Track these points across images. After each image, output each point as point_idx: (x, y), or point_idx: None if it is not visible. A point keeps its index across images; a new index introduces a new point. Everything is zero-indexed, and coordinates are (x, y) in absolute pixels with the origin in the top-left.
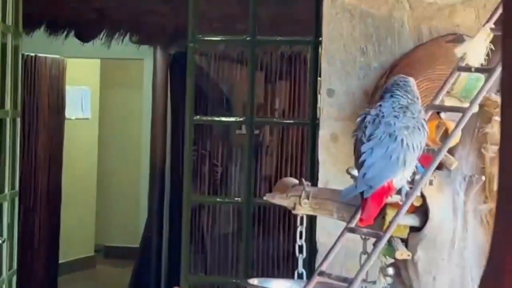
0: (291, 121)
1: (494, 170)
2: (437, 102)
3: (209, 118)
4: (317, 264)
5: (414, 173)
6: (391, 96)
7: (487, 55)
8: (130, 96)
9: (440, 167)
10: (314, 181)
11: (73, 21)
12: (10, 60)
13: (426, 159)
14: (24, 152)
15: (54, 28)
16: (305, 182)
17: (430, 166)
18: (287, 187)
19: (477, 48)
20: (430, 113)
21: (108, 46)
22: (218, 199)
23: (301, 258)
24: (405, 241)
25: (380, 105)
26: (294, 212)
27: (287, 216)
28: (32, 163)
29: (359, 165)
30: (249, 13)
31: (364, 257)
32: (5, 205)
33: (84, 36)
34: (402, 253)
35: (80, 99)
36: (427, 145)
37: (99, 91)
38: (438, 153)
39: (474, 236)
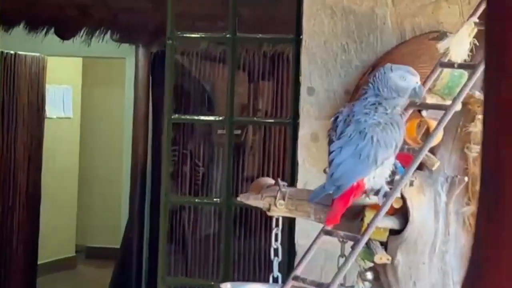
0: (272, 121)
1: (478, 170)
2: None
3: (188, 117)
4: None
5: (393, 173)
6: (366, 92)
7: (471, 50)
8: (112, 95)
9: (421, 167)
10: (294, 181)
11: (53, 18)
12: None
13: (406, 158)
14: (2, 151)
15: (34, 25)
16: (281, 183)
17: (410, 166)
18: (262, 187)
19: (461, 43)
20: (411, 111)
21: (88, 44)
22: (196, 200)
23: (276, 261)
24: (384, 245)
25: (353, 104)
26: (269, 213)
27: (269, 217)
28: (11, 162)
29: (328, 165)
30: (237, 13)
31: (342, 260)
32: None
33: (64, 33)
34: (381, 257)
35: (62, 98)
36: (407, 144)
37: (81, 90)
38: (418, 152)
39: (456, 239)
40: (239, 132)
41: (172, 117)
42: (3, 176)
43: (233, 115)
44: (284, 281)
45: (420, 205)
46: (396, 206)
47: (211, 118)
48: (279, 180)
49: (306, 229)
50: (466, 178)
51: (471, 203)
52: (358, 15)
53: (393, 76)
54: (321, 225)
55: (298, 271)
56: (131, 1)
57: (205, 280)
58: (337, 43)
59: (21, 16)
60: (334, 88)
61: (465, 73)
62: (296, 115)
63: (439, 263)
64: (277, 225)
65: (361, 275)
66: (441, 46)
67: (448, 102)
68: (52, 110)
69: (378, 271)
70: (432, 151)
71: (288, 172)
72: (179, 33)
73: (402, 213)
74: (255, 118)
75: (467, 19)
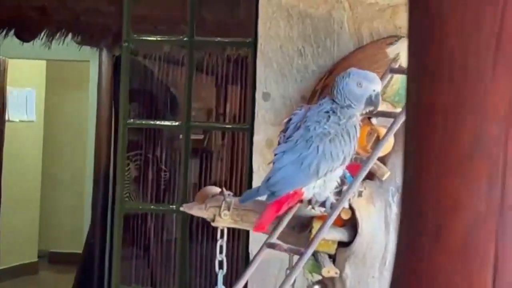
0: (230, 126)
1: None
2: None
3: (143, 122)
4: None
5: (342, 183)
6: (326, 96)
7: None
8: (76, 98)
9: (371, 177)
10: (250, 188)
11: (12, 19)
12: None
13: (356, 168)
14: None
15: None
16: (226, 192)
17: (358, 176)
18: (207, 197)
19: None
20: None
21: (49, 46)
22: (152, 207)
23: (221, 274)
24: (332, 257)
25: (309, 108)
26: (213, 224)
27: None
28: None
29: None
30: (197, 16)
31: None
32: None
33: (24, 35)
34: (329, 270)
35: (25, 101)
36: (357, 153)
37: (45, 93)
38: (367, 161)
39: None
40: (201, 137)
41: (128, 121)
42: None
43: (190, 120)
44: None
45: (370, 216)
46: (345, 217)
47: (167, 123)
48: (224, 189)
49: (260, 238)
50: None
51: None
52: (315, 19)
53: (350, 81)
54: None
55: (240, 286)
56: (92, 3)
57: None
58: (293, 47)
59: None
60: (290, 93)
61: None
62: (253, 121)
63: (390, 276)
64: (222, 236)
65: None
66: (391, 51)
67: (399, 110)
68: (14, 113)
69: (326, 284)
70: (383, 160)
71: (245, 179)
72: (135, 35)
73: (351, 225)
74: (212, 124)
75: None
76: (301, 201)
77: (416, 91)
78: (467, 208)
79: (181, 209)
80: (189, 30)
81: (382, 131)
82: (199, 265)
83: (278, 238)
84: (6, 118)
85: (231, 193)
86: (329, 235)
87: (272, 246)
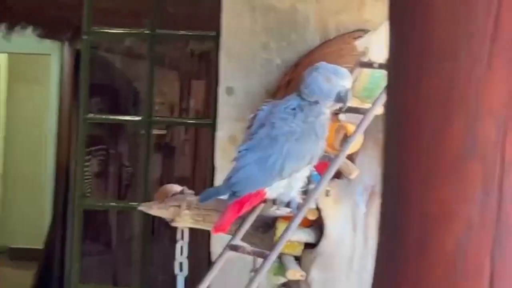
0: (193, 122)
1: None
2: None
3: (103, 117)
4: None
5: (309, 182)
6: (295, 92)
7: None
8: (37, 92)
9: (338, 175)
10: (212, 186)
11: None
12: None
13: (322, 166)
14: None
15: None
16: (187, 191)
17: (325, 175)
18: (167, 195)
19: (381, 41)
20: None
21: (8, 39)
22: (112, 204)
23: (181, 276)
24: (298, 259)
25: (276, 104)
26: (173, 224)
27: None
28: None
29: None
30: (160, 9)
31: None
32: None
33: None
34: (294, 272)
35: None
36: (324, 151)
37: (6, 86)
38: (334, 160)
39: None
40: (164, 132)
41: (88, 116)
42: None
43: (151, 115)
44: None
45: (337, 217)
46: (311, 217)
47: (128, 118)
48: (185, 188)
49: (222, 238)
50: None
51: None
52: (280, 12)
53: (318, 76)
54: None
55: None
56: None
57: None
58: (257, 41)
59: None
60: (254, 88)
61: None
62: (216, 116)
63: (357, 280)
64: (182, 237)
65: None
66: (360, 44)
67: (368, 105)
68: None
69: (291, 287)
70: (351, 158)
71: (208, 176)
72: (95, 28)
73: (318, 226)
74: (175, 119)
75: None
76: (264, 201)
77: (398, 85)
78: (458, 216)
79: (140, 208)
80: (151, 23)
81: (351, 128)
82: (161, 263)
83: (242, 239)
84: None
85: (192, 192)
86: (294, 236)
87: (235, 248)
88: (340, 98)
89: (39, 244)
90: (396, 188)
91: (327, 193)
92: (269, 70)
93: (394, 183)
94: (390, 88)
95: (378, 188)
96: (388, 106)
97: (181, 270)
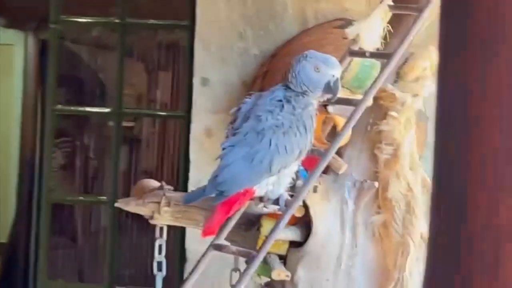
0: (165, 114)
1: (389, 174)
2: None
3: (72, 109)
4: (186, 275)
5: (296, 178)
6: (281, 82)
7: (384, 37)
8: (1, 84)
9: (325, 171)
10: (186, 180)
11: None
12: None
13: (310, 161)
14: None
15: None
16: (166, 186)
17: (315, 171)
18: (145, 191)
19: (373, 29)
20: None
21: None
22: (81, 198)
23: (160, 277)
24: (283, 258)
25: (260, 95)
26: (152, 222)
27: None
28: None
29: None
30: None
31: (235, 275)
32: None
33: None
34: (279, 272)
35: None
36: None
37: None
38: (325, 154)
39: (364, 252)
40: (132, 124)
41: (56, 108)
42: None
43: (121, 106)
44: None
45: (324, 213)
46: (298, 215)
47: (98, 109)
48: (164, 183)
49: (198, 234)
50: (376, 183)
51: (382, 212)
52: (257, 0)
53: (306, 65)
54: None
55: None
56: None
57: (89, 285)
58: (234, 30)
59: None
60: (230, 79)
61: (378, 64)
62: (190, 108)
63: (345, 280)
64: (161, 235)
65: None
66: (350, 32)
67: (359, 97)
68: None
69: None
70: (339, 152)
71: (181, 170)
72: (63, 17)
73: (304, 223)
74: (145, 111)
75: (381, 1)
76: (252, 198)
77: (458, 71)
78: None
79: (116, 205)
80: (121, 12)
81: (339, 119)
82: (130, 257)
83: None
84: None
85: (171, 188)
86: (280, 234)
87: (219, 248)
88: (329, 88)
89: (3, 238)
90: (459, 199)
91: (315, 189)
92: (245, 60)
93: (456, 194)
94: (443, 76)
95: (366, 184)
96: (444, 107)
97: (159, 270)
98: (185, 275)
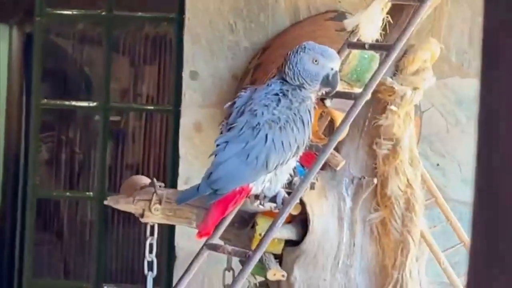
0: (152, 108)
1: (388, 170)
2: None
3: (58, 103)
4: (175, 273)
5: (293, 174)
6: (277, 75)
7: (384, 29)
8: None
9: (323, 167)
10: (175, 176)
11: None
12: None
13: (307, 157)
14: None
15: None
16: (156, 183)
17: (314, 167)
18: (135, 188)
19: (372, 21)
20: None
21: None
22: (68, 194)
23: (150, 276)
24: (279, 258)
25: (256, 89)
26: (142, 220)
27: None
28: None
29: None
30: None
31: (228, 274)
32: None
33: None
34: (275, 272)
35: None
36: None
37: None
38: (323, 150)
39: (362, 251)
40: (117, 118)
41: (41, 102)
42: None
43: (109, 100)
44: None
45: (322, 211)
46: (294, 212)
47: (84, 104)
48: (155, 180)
49: (187, 230)
50: (375, 180)
51: (380, 209)
52: None
53: (304, 57)
54: None
55: None
56: None
57: (77, 282)
58: (224, 22)
59: None
60: (220, 72)
61: (377, 56)
62: (178, 102)
63: (343, 280)
64: (152, 234)
65: None
66: (348, 23)
67: (357, 90)
68: None
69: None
70: (336, 147)
71: (169, 166)
72: (49, 9)
73: (301, 221)
74: (133, 105)
75: None
76: (257, 197)
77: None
78: None
79: (106, 203)
80: (108, 5)
81: (336, 114)
82: (117, 254)
83: None
84: None
85: (162, 184)
86: (276, 233)
87: (213, 248)
88: (328, 81)
89: None
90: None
91: (312, 186)
92: (236, 53)
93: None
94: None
95: (364, 180)
96: (483, 90)
97: (150, 269)
98: (175, 273)
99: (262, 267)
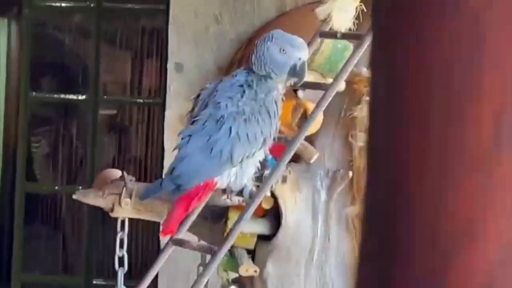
0: (141, 101)
1: (364, 163)
2: None
3: (47, 96)
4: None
5: (263, 167)
6: (244, 64)
7: (357, 17)
8: None
9: (297, 159)
10: (162, 169)
11: None
12: None
13: (279, 149)
14: None
15: None
16: (127, 177)
17: (282, 159)
18: (106, 182)
19: (344, 9)
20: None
21: None
22: (56, 188)
23: (121, 272)
24: (252, 253)
25: (221, 80)
26: (112, 215)
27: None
28: None
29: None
30: None
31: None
32: None
33: None
34: (247, 268)
35: None
36: (281, 132)
37: None
38: (292, 142)
39: (338, 246)
40: (114, 112)
41: (31, 95)
42: None
43: (98, 94)
44: None
45: (295, 205)
46: (266, 206)
47: (74, 97)
48: (125, 174)
49: None
50: (350, 173)
51: (356, 203)
52: None
53: (271, 46)
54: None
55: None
56: None
57: (65, 277)
58: (209, 12)
59: None
60: (205, 63)
61: (350, 46)
62: (165, 94)
63: (317, 275)
64: (122, 229)
65: None
66: (320, 11)
67: (330, 81)
68: None
69: (244, 284)
70: (311, 139)
71: (157, 158)
72: (37, 2)
73: (273, 215)
74: (123, 98)
75: None
76: (224, 191)
77: (389, 47)
78: (491, 237)
79: (74, 197)
80: None
81: (310, 106)
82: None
83: (189, 230)
84: None
85: (133, 178)
86: (247, 227)
87: (179, 243)
88: (295, 72)
89: None
90: (393, 201)
91: (284, 179)
92: (221, 44)
93: (390, 193)
94: (377, 57)
95: (339, 173)
96: (374, 80)
97: (121, 265)
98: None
99: (234, 263)
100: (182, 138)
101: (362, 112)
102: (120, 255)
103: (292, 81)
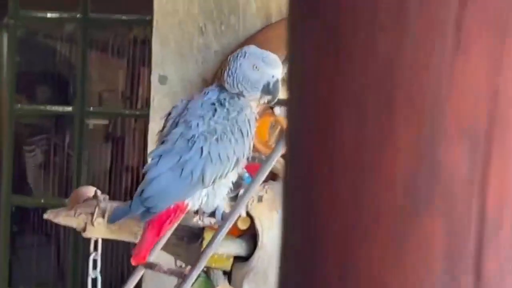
0: (127, 112)
1: None
2: None
3: (32, 108)
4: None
5: (238, 186)
6: (215, 81)
7: None
8: None
9: (274, 178)
10: None
11: None
12: None
13: (255, 169)
14: None
15: None
16: (100, 195)
17: (255, 179)
18: (79, 201)
19: None
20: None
21: None
22: (43, 201)
23: None
24: (228, 274)
25: (193, 97)
26: (84, 235)
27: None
28: None
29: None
30: None
31: None
32: None
33: None
34: None
35: None
36: (257, 150)
37: None
38: (267, 160)
39: None
40: (106, 122)
41: (15, 108)
42: None
43: (84, 105)
44: None
45: (272, 225)
46: (243, 227)
47: (59, 109)
48: (98, 192)
49: None
50: None
51: None
52: None
53: (244, 63)
54: None
55: None
56: None
57: None
58: (194, 24)
59: None
60: (189, 76)
61: None
62: (149, 107)
63: None
64: (95, 249)
65: None
66: None
67: None
68: None
69: None
70: None
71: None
72: (23, 11)
73: (250, 236)
74: (110, 110)
75: None
76: (196, 213)
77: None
78: None
79: (45, 217)
80: (83, 7)
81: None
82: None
83: (166, 250)
84: None
85: (107, 196)
86: (223, 248)
87: (149, 266)
88: (268, 89)
89: None
90: (300, 260)
91: (260, 199)
92: (206, 57)
93: (297, 252)
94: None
95: None
96: (289, 111)
97: (94, 286)
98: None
99: (210, 284)
100: (152, 159)
101: None
102: (93, 276)
103: (266, 99)
